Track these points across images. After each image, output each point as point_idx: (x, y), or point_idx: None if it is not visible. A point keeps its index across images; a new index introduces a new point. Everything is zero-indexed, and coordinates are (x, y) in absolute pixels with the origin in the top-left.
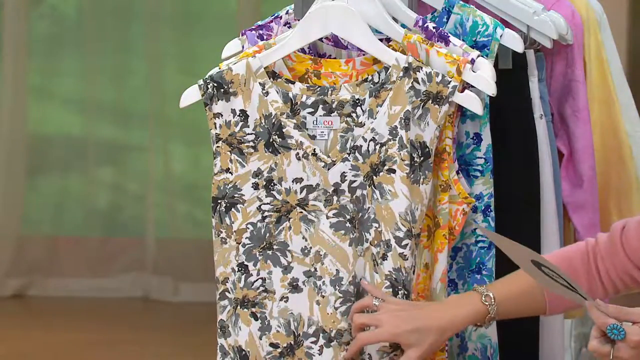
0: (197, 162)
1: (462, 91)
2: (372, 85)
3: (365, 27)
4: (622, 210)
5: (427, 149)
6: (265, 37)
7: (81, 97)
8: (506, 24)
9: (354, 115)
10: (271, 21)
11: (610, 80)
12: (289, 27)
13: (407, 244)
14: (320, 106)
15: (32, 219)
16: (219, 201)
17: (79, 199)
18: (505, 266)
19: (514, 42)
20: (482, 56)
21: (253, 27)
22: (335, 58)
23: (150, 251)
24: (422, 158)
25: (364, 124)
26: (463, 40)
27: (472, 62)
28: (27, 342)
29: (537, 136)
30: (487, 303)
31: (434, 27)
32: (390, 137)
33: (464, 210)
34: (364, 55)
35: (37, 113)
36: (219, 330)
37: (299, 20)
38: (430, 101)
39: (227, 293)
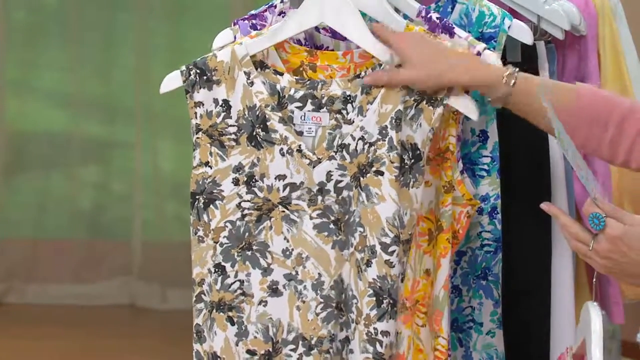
0: (186, 161)
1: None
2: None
3: (359, 19)
4: (637, 210)
5: (418, 152)
6: (258, 27)
7: (64, 91)
8: (515, 14)
9: (343, 112)
10: (265, 10)
11: (626, 74)
12: (283, 17)
13: (394, 251)
14: (309, 101)
15: (11, 221)
16: (197, 197)
17: (61, 200)
18: (512, 272)
19: (523, 34)
20: (488, 49)
21: (246, 17)
22: (332, 50)
23: (136, 255)
24: (412, 160)
25: (353, 122)
26: (468, 31)
27: (479, 55)
28: (5, 352)
29: (547, 133)
30: (510, 71)
31: (437, 18)
32: (380, 137)
33: (468, 213)
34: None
35: (16, 108)
36: (194, 335)
37: (294, 9)
38: (424, 102)
39: (202, 295)
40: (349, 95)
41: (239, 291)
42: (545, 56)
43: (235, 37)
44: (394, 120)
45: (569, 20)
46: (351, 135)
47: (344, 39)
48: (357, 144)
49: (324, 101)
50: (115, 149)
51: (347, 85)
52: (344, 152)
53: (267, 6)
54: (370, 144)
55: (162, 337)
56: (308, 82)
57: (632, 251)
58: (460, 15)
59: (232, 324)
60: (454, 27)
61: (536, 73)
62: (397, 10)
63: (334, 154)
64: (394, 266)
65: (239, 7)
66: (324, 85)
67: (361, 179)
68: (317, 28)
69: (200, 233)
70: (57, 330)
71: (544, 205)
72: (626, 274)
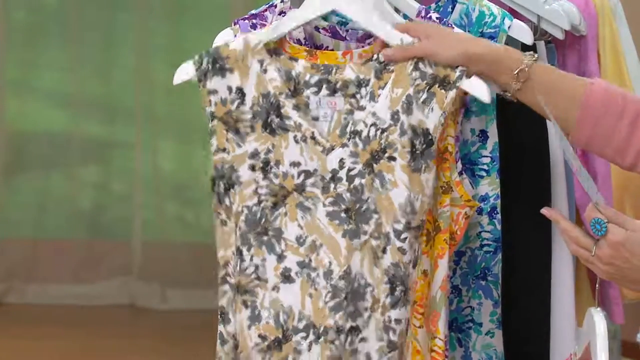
0: (187, 161)
1: None
2: (377, 65)
3: (367, 5)
4: (638, 215)
5: (430, 137)
6: (259, 26)
7: (64, 91)
8: (515, 14)
9: (357, 96)
10: (265, 10)
11: (626, 74)
12: (283, 17)
13: (405, 237)
14: (324, 85)
15: (11, 221)
16: (217, 181)
17: (61, 200)
18: (512, 272)
19: (523, 34)
20: None
21: (246, 16)
22: (332, 50)
23: (136, 255)
24: (424, 146)
25: (365, 108)
26: (468, 31)
27: None
28: (5, 352)
29: (547, 132)
30: (526, 56)
31: (437, 18)
32: (392, 123)
33: (466, 214)
34: (362, 47)
35: (16, 108)
36: (219, 316)
37: (295, 9)
38: (436, 85)
39: (227, 277)
40: (363, 79)
41: (253, 275)
42: (545, 56)
43: (235, 37)
44: (405, 105)
45: (569, 20)
46: (363, 122)
47: (344, 38)
48: (369, 130)
49: (338, 85)
50: (115, 149)
51: (361, 69)
52: (357, 139)
53: (267, 6)
54: (383, 130)
55: (162, 337)
56: (322, 67)
57: (634, 257)
58: (460, 15)
59: (246, 307)
60: (453, 27)
61: None
62: (397, 10)
63: (346, 141)
64: (405, 253)
65: (239, 7)
66: (338, 70)
67: (374, 165)
68: (317, 28)
69: (223, 217)
70: (57, 330)
71: (544, 211)
72: (628, 280)
